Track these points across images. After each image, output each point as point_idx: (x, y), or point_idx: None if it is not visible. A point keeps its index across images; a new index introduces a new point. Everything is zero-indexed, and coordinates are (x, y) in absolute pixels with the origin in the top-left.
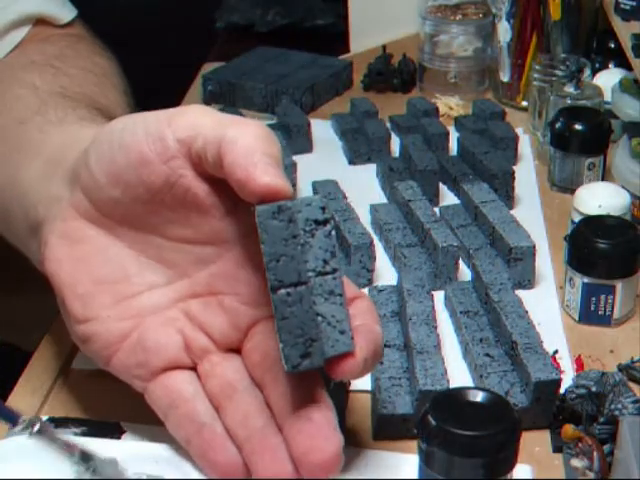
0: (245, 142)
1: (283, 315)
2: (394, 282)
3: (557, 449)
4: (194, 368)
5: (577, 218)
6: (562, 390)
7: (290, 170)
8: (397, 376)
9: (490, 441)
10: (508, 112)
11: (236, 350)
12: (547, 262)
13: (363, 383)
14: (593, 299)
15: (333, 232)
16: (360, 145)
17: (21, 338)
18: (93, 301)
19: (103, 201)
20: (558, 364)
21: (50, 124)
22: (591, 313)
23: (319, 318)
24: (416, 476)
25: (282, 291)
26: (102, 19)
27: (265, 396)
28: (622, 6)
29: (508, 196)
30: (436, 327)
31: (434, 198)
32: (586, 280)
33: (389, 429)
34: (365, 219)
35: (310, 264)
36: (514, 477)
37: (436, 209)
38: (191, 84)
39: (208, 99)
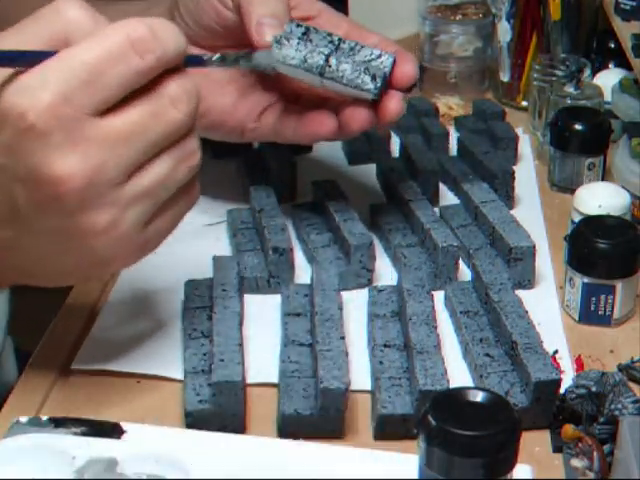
0: None
1: None
2: (394, 282)
3: (557, 449)
4: None
5: (577, 218)
6: (562, 390)
7: None
8: (397, 376)
9: (490, 441)
10: (508, 112)
11: None
12: (547, 262)
13: (363, 383)
14: (593, 299)
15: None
16: (360, 145)
17: (21, 338)
18: None
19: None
20: (558, 364)
21: None
22: (591, 313)
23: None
24: (416, 476)
25: None
26: None
27: None
28: (622, 6)
29: (508, 196)
30: (436, 327)
31: (434, 198)
32: (586, 280)
33: (389, 429)
34: (365, 219)
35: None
36: (514, 477)
37: (436, 209)
38: None
39: None
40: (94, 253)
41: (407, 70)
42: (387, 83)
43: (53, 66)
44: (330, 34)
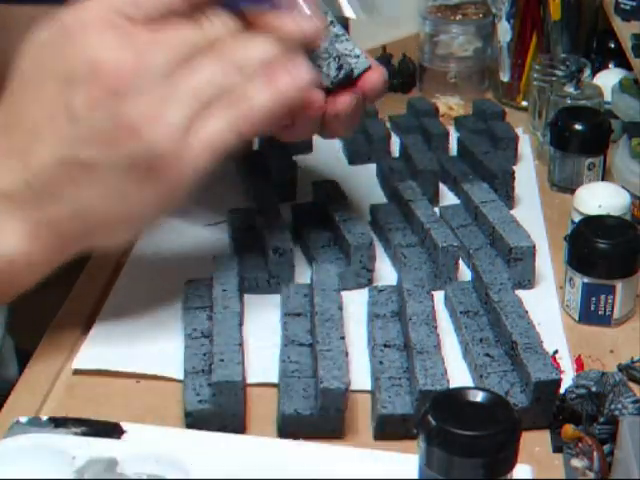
0: None
1: None
2: (394, 282)
3: (557, 449)
4: None
5: (577, 218)
6: (562, 390)
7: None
8: (397, 376)
9: (490, 441)
10: (508, 112)
11: None
12: (547, 262)
13: (363, 383)
14: (593, 299)
15: None
16: (360, 145)
17: (21, 338)
18: None
19: None
20: (558, 364)
21: None
22: (591, 313)
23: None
24: (416, 476)
25: None
26: None
27: None
28: (622, 6)
29: (508, 196)
30: (436, 327)
31: (434, 198)
32: (586, 280)
33: (389, 429)
34: (365, 219)
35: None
36: (514, 477)
37: (436, 209)
38: None
39: None
40: (144, 147)
41: (374, 78)
42: (351, 83)
43: None
44: (327, 12)
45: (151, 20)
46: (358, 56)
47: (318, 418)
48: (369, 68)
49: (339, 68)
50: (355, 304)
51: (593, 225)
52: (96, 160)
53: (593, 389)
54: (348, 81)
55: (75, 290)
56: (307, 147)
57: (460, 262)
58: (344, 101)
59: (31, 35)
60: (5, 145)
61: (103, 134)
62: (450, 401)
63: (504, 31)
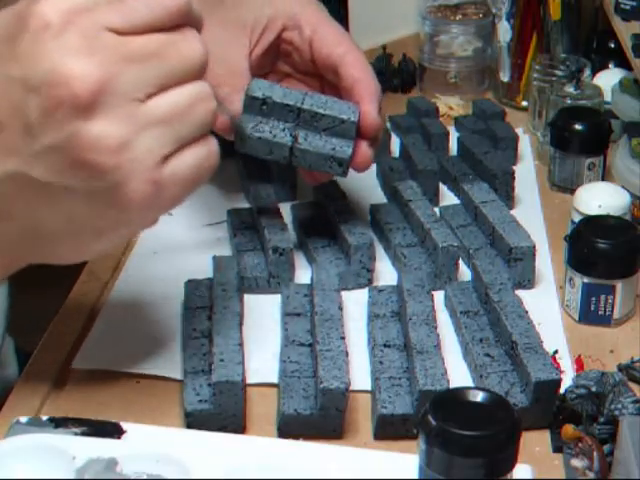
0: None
1: None
2: (394, 282)
3: (557, 449)
4: None
5: (577, 218)
6: (562, 390)
7: None
8: (397, 376)
9: (490, 441)
10: (508, 112)
11: None
12: (547, 262)
13: (363, 383)
14: (593, 299)
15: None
16: None
17: (21, 338)
18: None
19: None
20: (558, 364)
21: None
22: (591, 313)
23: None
24: (416, 476)
25: None
26: None
27: None
28: (622, 6)
29: (508, 196)
30: (436, 327)
31: (434, 198)
32: (586, 280)
33: (389, 429)
34: (365, 219)
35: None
36: (514, 477)
37: (436, 209)
38: None
39: None
40: (103, 176)
41: (370, 122)
42: (356, 131)
43: None
44: (288, 104)
45: (132, 33)
46: (342, 121)
47: (318, 418)
48: (360, 110)
49: (339, 164)
50: (355, 304)
51: (593, 225)
52: (49, 181)
53: (593, 389)
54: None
55: (75, 290)
56: None
57: (460, 262)
58: (362, 162)
59: None
60: None
61: (58, 154)
62: (450, 401)
63: (504, 31)
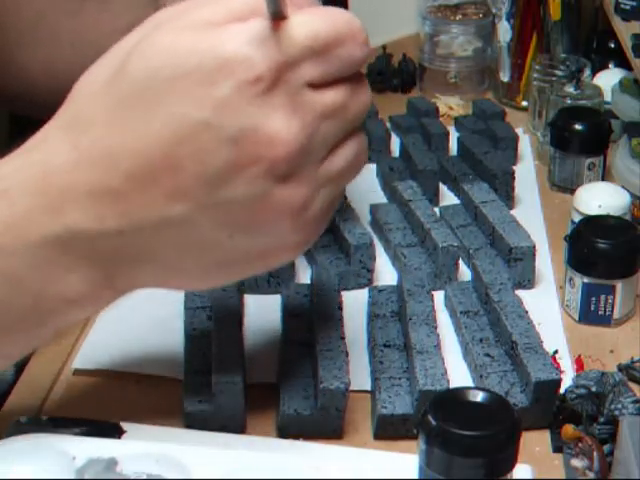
0: None
1: None
2: (394, 282)
3: (557, 449)
4: None
5: (577, 218)
6: (562, 390)
7: None
8: (397, 376)
9: (490, 441)
10: (508, 112)
11: None
12: (547, 262)
13: (363, 383)
14: (593, 299)
15: None
16: None
17: None
18: None
19: None
20: (558, 364)
21: None
22: (591, 313)
23: None
24: (416, 476)
25: None
26: None
27: None
28: (622, 6)
29: (508, 196)
30: (436, 327)
31: (434, 198)
32: (586, 280)
33: (389, 429)
34: (365, 219)
35: None
36: (514, 477)
37: (436, 209)
38: None
39: None
40: (282, 235)
41: None
42: None
43: (288, 30)
44: None
45: (324, 86)
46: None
47: (318, 418)
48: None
49: None
50: (355, 304)
51: (593, 225)
52: (214, 231)
53: (593, 389)
54: None
55: None
56: None
57: (460, 262)
58: None
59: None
60: (95, 178)
61: (239, 209)
62: (450, 401)
63: (504, 31)
